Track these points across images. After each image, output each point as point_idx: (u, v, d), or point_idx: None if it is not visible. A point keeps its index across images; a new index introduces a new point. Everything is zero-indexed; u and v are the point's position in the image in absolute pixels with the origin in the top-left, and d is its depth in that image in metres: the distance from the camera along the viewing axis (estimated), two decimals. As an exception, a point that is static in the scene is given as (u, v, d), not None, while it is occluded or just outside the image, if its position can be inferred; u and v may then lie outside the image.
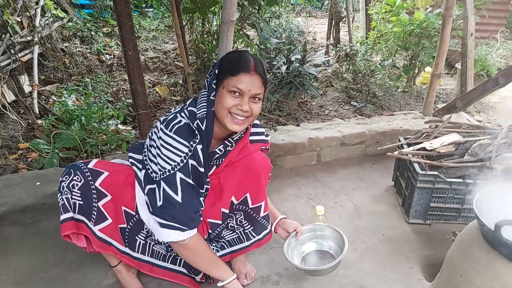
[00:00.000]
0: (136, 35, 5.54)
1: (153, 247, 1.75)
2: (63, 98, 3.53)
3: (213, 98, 1.52)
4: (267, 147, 1.90)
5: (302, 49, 3.55)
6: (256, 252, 2.04)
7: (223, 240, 1.84)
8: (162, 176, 1.48)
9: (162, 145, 1.50)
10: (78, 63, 4.28)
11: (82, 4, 6.62)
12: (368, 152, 2.95)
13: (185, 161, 1.49)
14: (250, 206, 1.77)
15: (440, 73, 3.02)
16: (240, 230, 1.83)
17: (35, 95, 3.13)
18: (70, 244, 1.84)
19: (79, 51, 4.57)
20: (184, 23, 3.62)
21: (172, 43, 5.33)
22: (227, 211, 1.74)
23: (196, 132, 1.52)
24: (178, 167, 1.48)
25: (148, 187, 1.52)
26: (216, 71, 1.52)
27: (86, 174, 1.58)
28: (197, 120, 1.52)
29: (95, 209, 1.59)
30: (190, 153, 1.50)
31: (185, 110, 1.57)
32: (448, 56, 4.71)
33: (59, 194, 1.57)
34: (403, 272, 1.93)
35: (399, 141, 2.49)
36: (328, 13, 4.69)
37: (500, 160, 2.14)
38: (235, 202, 1.75)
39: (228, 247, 1.85)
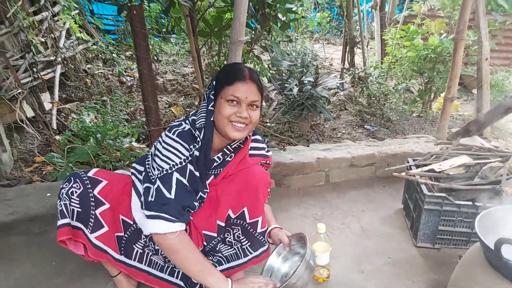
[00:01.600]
0: (157, 59, 5.75)
1: (151, 257, 1.75)
2: (82, 116, 3.66)
3: (211, 108, 1.57)
4: (268, 162, 1.90)
5: (314, 72, 3.59)
6: (257, 270, 2.01)
7: (220, 254, 1.82)
8: (159, 175, 1.51)
9: (163, 147, 1.55)
10: (99, 83, 4.44)
11: (108, 29, 6.92)
12: (378, 174, 2.91)
13: (184, 163, 1.53)
14: (248, 221, 1.75)
15: (453, 97, 2.99)
16: (237, 246, 1.81)
17: (54, 111, 3.25)
18: (72, 254, 1.87)
19: (101, 72, 4.75)
20: (200, 46, 3.73)
21: (191, 67, 5.48)
22: (222, 224, 1.73)
23: (197, 138, 1.58)
24: (176, 168, 1.52)
25: (145, 185, 1.56)
26: (214, 82, 1.58)
27: (86, 182, 1.62)
28: (197, 130, 1.58)
29: (93, 216, 1.62)
30: (190, 158, 1.54)
31: (189, 119, 1.64)
32: (465, 82, 4.68)
33: (59, 200, 1.62)
34: (408, 296, 1.87)
35: (408, 162, 2.45)
36: (343, 38, 4.74)
37: (511, 183, 2.08)
38: (232, 216, 1.74)
39: (225, 263, 1.82)
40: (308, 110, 3.53)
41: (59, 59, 3.67)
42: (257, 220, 1.76)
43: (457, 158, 2.32)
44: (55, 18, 4.13)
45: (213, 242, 1.76)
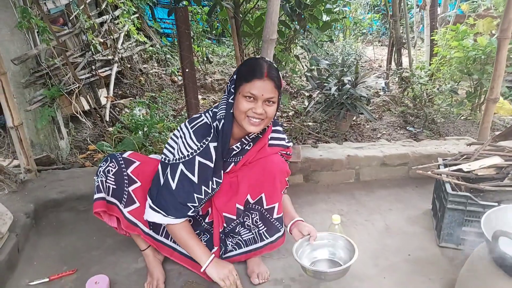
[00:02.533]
0: (208, 60, 6.02)
1: None
2: (134, 111, 3.97)
3: (231, 101, 1.69)
4: (288, 153, 1.99)
5: (354, 71, 3.60)
6: (275, 257, 2.10)
7: (240, 237, 1.94)
8: (169, 161, 1.71)
9: (180, 137, 1.73)
10: (152, 82, 4.76)
11: (166, 32, 7.35)
12: (411, 174, 2.87)
13: (191, 156, 1.68)
14: (265, 206, 1.86)
15: (495, 98, 2.86)
16: (255, 231, 1.92)
17: (108, 105, 3.57)
18: (111, 231, 2.10)
19: (155, 72, 5.09)
20: (244, 47, 3.89)
21: (239, 67, 5.68)
22: (241, 207, 1.86)
23: (212, 130, 1.71)
24: (183, 160, 1.68)
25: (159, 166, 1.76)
26: (235, 76, 1.69)
27: (120, 162, 1.81)
28: (217, 121, 1.70)
29: (126, 193, 1.81)
30: (198, 151, 1.68)
31: (210, 111, 1.78)
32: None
33: (96, 177, 1.82)
34: (422, 293, 1.86)
35: (437, 161, 2.41)
36: (389, 39, 4.67)
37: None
38: (251, 201, 1.86)
39: (244, 247, 1.95)
40: (347, 110, 3.55)
41: (116, 58, 4.01)
42: (274, 206, 1.87)
43: (488, 159, 2.25)
44: (116, 21, 4.51)
45: (232, 224, 1.90)
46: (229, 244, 1.95)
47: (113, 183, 1.79)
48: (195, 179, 1.69)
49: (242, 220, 1.92)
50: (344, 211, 2.55)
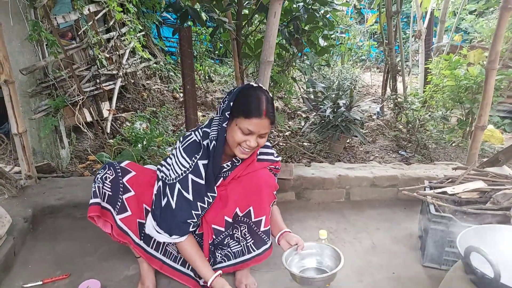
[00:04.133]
0: (210, 79, 6.18)
1: (166, 247, 1.99)
2: (135, 124, 4.09)
3: (225, 126, 1.75)
4: (277, 167, 2.07)
5: (349, 95, 3.73)
6: (263, 270, 2.17)
7: (229, 249, 2.00)
8: (167, 180, 1.80)
9: (173, 156, 1.82)
10: (154, 97, 4.89)
11: (171, 51, 7.54)
12: (400, 196, 2.93)
13: (184, 175, 1.77)
14: (253, 219, 1.93)
15: (483, 125, 2.98)
16: (243, 243, 1.99)
17: (110, 118, 3.68)
18: (105, 238, 2.17)
19: (157, 88, 5.23)
20: (244, 68, 4.04)
21: (240, 87, 5.83)
22: (230, 220, 1.93)
23: (202, 148, 1.79)
24: (178, 179, 1.77)
25: (157, 184, 1.84)
26: (231, 104, 1.72)
27: (118, 171, 1.89)
28: (208, 141, 1.79)
29: (120, 200, 1.88)
30: (191, 169, 1.77)
31: (200, 130, 1.85)
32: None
33: (94, 183, 1.89)
34: (402, 309, 1.92)
35: (423, 184, 2.49)
36: (384, 66, 4.83)
37: (523, 210, 2.07)
38: (240, 214, 1.93)
39: (232, 259, 2.00)
40: (341, 132, 3.66)
41: (121, 73, 4.15)
42: (261, 219, 1.94)
43: (472, 183, 2.34)
44: (122, 38, 4.67)
45: (221, 236, 1.96)
46: (218, 255, 2.00)
47: (109, 189, 1.87)
48: (190, 196, 1.77)
49: (231, 233, 1.98)
50: (333, 229, 2.62)
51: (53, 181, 2.82)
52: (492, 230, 1.64)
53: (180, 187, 1.76)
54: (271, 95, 1.82)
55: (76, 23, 3.48)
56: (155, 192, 1.87)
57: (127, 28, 4.77)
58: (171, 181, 1.78)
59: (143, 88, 4.95)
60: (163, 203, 1.79)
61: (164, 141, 3.74)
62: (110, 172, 1.88)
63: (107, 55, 3.89)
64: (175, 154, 1.81)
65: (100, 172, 1.90)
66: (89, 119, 3.53)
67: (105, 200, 1.89)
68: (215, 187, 1.89)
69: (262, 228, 1.95)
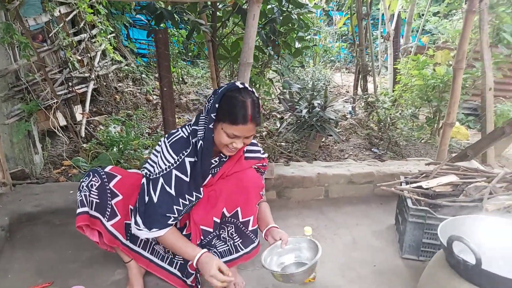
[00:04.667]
0: (183, 80, 6.15)
1: (154, 246, 1.98)
2: (109, 128, 4.02)
3: (211, 127, 1.74)
4: (264, 164, 2.08)
5: (323, 95, 3.82)
6: (249, 269, 2.20)
7: (215, 250, 2.01)
8: (149, 176, 1.77)
9: (158, 151, 1.81)
10: (128, 100, 4.82)
11: (141, 53, 7.44)
12: (377, 192, 3.06)
13: (168, 170, 1.75)
14: (240, 220, 1.95)
15: (452, 122, 3.13)
16: (230, 243, 2.00)
17: (83, 122, 3.60)
18: (88, 245, 2.14)
19: (130, 90, 5.15)
20: (220, 69, 4.06)
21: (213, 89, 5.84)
22: (218, 220, 1.93)
23: (191, 146, 1.78)
24: (162, 173, 1.75)
25: (142, 181, 1.82)
26: (217, 105, 1.71)
27: (103, 177, 1.87)
28: (199, 140, 1.78)
29: (109, 207, 1.85)
30: (175, 164, 1.75)
31: (187, 127, 1.85)
32: (480, 113, 4.77)
33: (79, 192, 1.86)
34: (386, 300, 2.00)
35: (399, 179, 2.60)
36: (356, 67, 4.97)
37: (493, 201, 2.20)
38: (227, 214, 1.94)
39: (219, 258, 2.03)
40: (317, 131, 3.75)
41: (93, 76, 4.07)
42: (249, 219, 1.96)
43: (445, 177, 2.47)
44: (93, 40, 4.57)
45: (209, 236, 1.96)
46: None
47: (96, 197, 1.84)
48: (172, 192, 1.76)
49: (218, 233, 2.00)
50: (314, 226, 2.68)
51: (28, 188, 2.74)
52: (470, 220, 1.74)
53: (163, 182, 1.75)
54: (257, 96, 1.83)
55: (47, 25, 3.39)
56: (142, 188, 1.84)
57: (98, 30, 4.67)
58: (155, 176, 1.76)
59: (115, 91, 4.87)
60: (146, 199, 1.77)
61: (141, 144, 3.70)
62: (95, 179, 1.85)
63: (79, 58, 3.81)
64: (161, 151, 1.80)
65: (84, 180, 1.86)
66: (62, 123, 3.45)
67: (93, 208, 1.86)
68: (202, 188, 1.90)
69: (250, 228, 1.97)
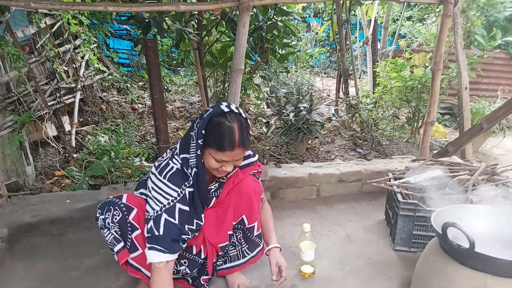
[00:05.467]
0: (166, 88, 6.19)
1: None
2: (98, 137, 4.02)
3: (200, 153, 1.74)
4: (259, 170, 2.13)
5: (309, 99, 3.95)
6: (252, 267, 2.27)
7: (227, 254, 2.08)
8: (151, 217, 1.71)
9: (153, 189, 1.74)
10: (114, 109, 4.83)
11: (122, 62, 7.44)
12: (365, 189, 3.19)
13: (172, 204, 1.72)
14: (247, 226, 2.01)
15: (432, 121, 3.30)
16: (239, 248, 2.06)
17: (73, 132, 3.61)
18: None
19: (115, 100, 5.16)
20: (207, 76, 4.13)
21: (198, 96, 5.90)
22: (231, 232, 1.98)
23: (189, 177, 1.76)
24: (164, 209, 1.71)
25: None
26: (203, 131, 1.69)
27: (123, 210, 1.80)
28: (193, 168, 1.77)
29: (130, 240, 1.81)
30: (178, 197, 1.73)
31: (176, 157, 1.80)
32: (456, 112, 5.00)
33: (106, 230, 1.78)
34: (382, 289, 2.12)
35: (388, 175, 2.73)
36: (337, 70, 5.14)
37: (476, 193, 2.36)
38: (234, 223, 1.99)
39: (229, 262, 2.08)
40: (304, 134, 3.87)
41: (79, 86, 4.08)
42: (254, 225, 2.02)
43: (431, 171, 2.61)
44: (76, 50, 4.58)
45: (226, 248, 2.00)
46: (219, 262, 2.07)
47: (118, 230, 1.80)
48: (176, 222, 1.73)
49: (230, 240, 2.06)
50: (309, 224, 2.78)
51: (24, 199, 2.73)
52: (460, 209, 1.87)
53: (166, 217, 1.70)
54: (245, 116, 1.77)
55: (34, 36, 3.39)
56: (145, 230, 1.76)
57: (81, 40, 4.69)
58: (157, 214, 1.70)
59: (101, 101, 4.87)
60: (152, 235, 1.71)
61: (131, 152, 3.73)
62: (117, 212, 1.79)
63: (65, 68, 3.82)
64: (156, 187, 1.73)
65: (107, 216, 1.79)
66: (52, 133, 3.45)
67: None
68: (209, 208, 1.93)
69: (255, 233, 2.04)
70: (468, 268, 1.55)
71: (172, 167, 1.76)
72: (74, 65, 4.20)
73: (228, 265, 2.09)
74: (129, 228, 1.80)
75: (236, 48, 2.73)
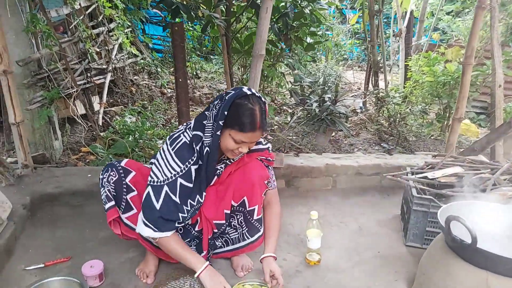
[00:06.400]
0: (197, 75, 6.28)
1: None
2: (125, 118, 4.16)
3: (218, 134, 1.77)
4: (269, 158, 2.10)
5: (334, 90, 3.89)
6: (257, 250, 2.28)
7: (227, 236, 2.09)
8: (152, 183, 1.80)
9: (161, 157, 1.82)
10: (143, 92, 4.96)
11: (156, 48, 7.60)
12: (384, 184, 3.12)
13: (174, 178, 1.78)
14: (247, 208, 2.01)
15: (460, 117, 3.17)
16: (240, 230, 2.07)
17: (101, 111, 3.74)
18: (105, 225, 2.22)
19: (145, 83, 5.29)
20: (233, 63, 4.16)
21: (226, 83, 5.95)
22: (228, 211, 2.00)
23: (196, 153, 1.81)
24: (166, 182, 1.78)
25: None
26: (226, 113, 1.73)
27: (120, 172, 1.90)
28: (204, 146, 1.80)
29: (124, 200, 1.91)
30: (181, 173, 1.79)
31: (189, 131, 1.86)
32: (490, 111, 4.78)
33: (102, 188, 1.89)
34: (388, 282, 2.07)
35: (406, 170, 2.67)
36: (367, 63, 5.03)
37: (496, 192, 2.25)
38: (235, 204, 2.00)
39: (231, 244, 2.10)
40: (327, 125, 3.82)
41: (110, 68, 4.21)
42: (254, 209, 2.01)
43: (451, 168, 2.52)
44: (110, 33, 4.72)
45: (222, 227, 2.03)
46: (218, 243, 2.10)
47: (113, 191, 1.89)
48: (177, 199, 1.80)
49: (229, 221, 2.06)
50: (320, 214, 2.72)
51: (49, 171, 2.88)
52: (469, 206, 1.81)
53: (167, 190, 1.78)
54: (264, 100, 1.84)
55: (68, 17, 3.53)
56: (144, 195, 1.86)
57: (115, 24, 4.82)
58: (158, 183, 1.79)
59: (131, 83, 5.01)
60: (150, 205, 1.80)
61: (155, 134, 3.82)
62: (113, 174, 1.89)
63: (97, 50, 3.95)
64: (164, 157, 1.81)
65: (104, 176, 1.90)
66: (81, 112, 3.59)
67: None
68: (204, 193, 1.93)
69: (255, 217, 2.04)
70: (470, 265, 1.50)
71: (181, 140, 1.82)
72: (106, 47, 4.33)
73: (230, 247, 2.11)
74: (124, 189, 1.90)
75: (258, 34, 2.72)
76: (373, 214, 2.79)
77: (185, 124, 1.97)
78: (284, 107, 4.64)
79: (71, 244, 2.31)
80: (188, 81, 5.78)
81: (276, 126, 4.35)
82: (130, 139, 3.62)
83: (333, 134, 4.18)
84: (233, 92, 1.78)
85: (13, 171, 2.63)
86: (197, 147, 1.81)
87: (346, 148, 4.04)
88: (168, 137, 1.89)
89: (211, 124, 1.79)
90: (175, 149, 1.81)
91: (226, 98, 1.76)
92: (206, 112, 1.85)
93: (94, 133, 3.60)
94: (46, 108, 3.01)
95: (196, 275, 1.82)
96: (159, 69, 5.86)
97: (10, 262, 2.12)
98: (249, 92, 1.77)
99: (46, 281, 1.87)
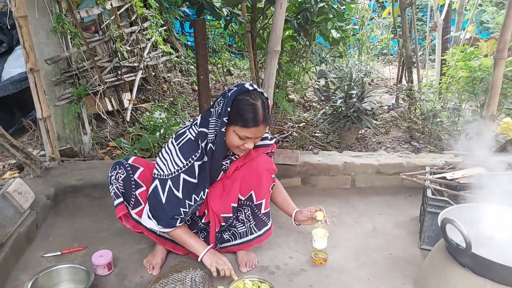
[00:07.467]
0: (229, 72, 6.33)
1: None
2: (154, 114, 4.29)
3: (223, 130, 1.82)
4: (272, 151, 2.16)
5: (361, 85, 3.78)
6: (264, 248, 2.28)
7: (235, 229, 2.12)
8: (158, 176, 1.88)
9: (167, 152, 1.90)
10: (174, 89, 5.09)
11: (192, 46, 7.74)
12: (405, 184, 2.99)
13: (176, 173, 1.85)
14: (255, 202, 2.04)
15: (492, 115, 2.97)
16: (247, 224, 2.10)
17: (129, 107, 3.88)
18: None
19: (178, 80, 5.42)
20: (259, 60, 4.16)
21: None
22: (235, 205, 2.03)
23: (200, 149, 1.85)
24: (171, 176, 1.86)
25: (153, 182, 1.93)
26: (229, 109, 1.77)
27: (128, 169, 2.00)
28: (208, 143, 1.85)
29: (134, 196, 2.00)
30: (184, 168, 1.85)
31: (195, 127, 1.91)
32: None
33: (110, 186, 1.99)
34: (395, 285, 2.00)
35: (425, 169, 2.54)
36: (399, 58, 4.84)
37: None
38: (242, 198, 2.04)
39: (238, 238, 2.12)
40: (353, 122, 3.72)
41: (141, 66, 4.35)
42: (261, 202, 2.05)
43: (472, 169, 2.37)
44: (144, 32, 4.87)
45: (229, 221, 2.07)
46: (226, 236, 2.12)
47: (122, 188, 1.99)
48: (179, 194, 1.86)
49: (236, 215, 2.09)
50: (335, 213, 2.71)
51: (75, 164, 3.03)
52: (472, 209, 1.70)
53: (171, 184, 1.85)
54: (266, 95, 1.86)
55: (99, 17, 3.68)
56: (151, 187, 1.94)
57: (149, 23, 4.97)
58: (163, 177, 1.87)
59: (163, 80, 5.15)
60: (155, 198, 1.89)
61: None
62: (121, 171, 1.99)
63: (129, 48, 4.09)
64: (169, 152, 1.88)
65: (112, 173, 1.99)
66: (110, 108, 3.74)
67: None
68: (207, 189, 1.97)
69: (262, 211, 2.06)
70: (468, 271, 1.42)
71: (186, 136, 1.88)
72: (139, 46, 4.47)
73: (237, 241, 2.13)
74: (133, 186, 1.98)
75: (273, 29, 2.71)
76: (390, 215, 2.69)
77: (191, 120, 2.02)
78: (314, 104, 4.57)
79: (88, 233, 2.43)
80: (220, 78, 5.86)
81: (304, 124, 4.29)
82: (156, 134, 3.72)
83: (361, 131, 4.07)
84: (235, 88, 1.82)
85: (40, 163, 2.79)
86: (203, 144, 1.85)
87: (374, 146, 3.92)
88: (175, 132, 1.95)
89: (214, 121, 1.84)
90: (180, 145, 1.87)
91: (229, 94, 1.80)
92: (211, 109, 1.89)
93: (123, 128, 3.74)
94: (74, 104, 3.17)
95: (199, 259, 1.91)
96: (192, 66, 5.97)
97: (30, 249, 2.27)
98: (250, 88, 1.80)
99: (55, 268, 1.98)
